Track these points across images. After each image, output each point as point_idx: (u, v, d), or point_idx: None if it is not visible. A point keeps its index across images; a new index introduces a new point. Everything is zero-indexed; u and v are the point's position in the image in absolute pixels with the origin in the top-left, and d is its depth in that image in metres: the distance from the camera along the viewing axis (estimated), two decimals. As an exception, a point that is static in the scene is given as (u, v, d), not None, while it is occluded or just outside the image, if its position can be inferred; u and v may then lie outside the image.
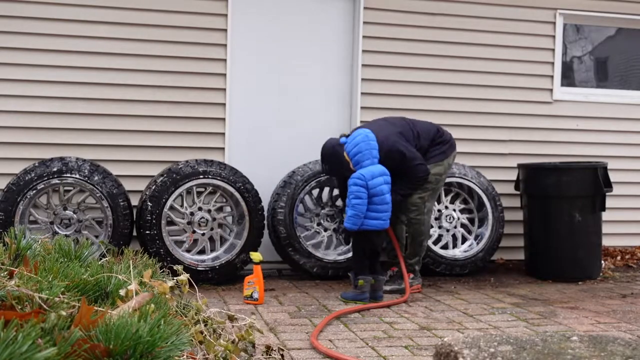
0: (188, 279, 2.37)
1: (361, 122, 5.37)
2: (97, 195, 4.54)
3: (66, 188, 4.63)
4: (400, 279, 4.61)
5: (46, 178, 4.47)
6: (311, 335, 3.23)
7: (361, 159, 4.30)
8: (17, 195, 4.44)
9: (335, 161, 4.58)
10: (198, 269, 4.64)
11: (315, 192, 5.18)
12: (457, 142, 5.74)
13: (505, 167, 5.85)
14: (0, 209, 4.41)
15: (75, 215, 4.65)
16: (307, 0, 5.53)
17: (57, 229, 4.59)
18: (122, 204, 4.59)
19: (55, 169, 4.49)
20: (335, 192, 5.23)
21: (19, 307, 1.45)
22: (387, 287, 4.55)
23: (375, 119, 4.93)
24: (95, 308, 1.54)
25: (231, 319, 2.32)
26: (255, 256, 4.21)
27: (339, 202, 5.27)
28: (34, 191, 4.47)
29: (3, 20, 4.87)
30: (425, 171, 4.61)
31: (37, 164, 4.53)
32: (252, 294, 4.03)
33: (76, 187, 4.58)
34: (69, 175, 4.51)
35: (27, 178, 4.45)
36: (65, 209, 4.64)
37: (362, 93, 5.55)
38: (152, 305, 1.68)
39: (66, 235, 4.51)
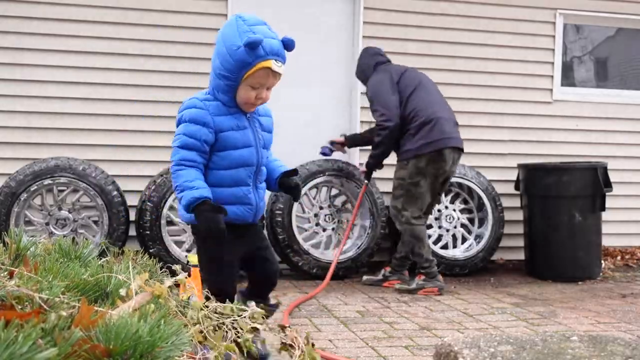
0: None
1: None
2: (91, 193, 4.54)
3: (60, 188, 4.62)
4: (413, 279, 4.65)
5: (39, 179, 4.47)
6: (284, 312, 3.25)
7: None
8: (11, 197, 4.44)
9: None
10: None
11: (313, 192, 5.18)
12: (457, 142, 5.77)
13: (505, 167, 5.85)
14: (-5, 211, 4.42)
15: (70, 215, 4.66)
16: (307, 1, 5.53)
17: (53, 230, 4.59)
18: (116, 200, 4.59)
19: (49, 168, 4.49)
20: (334, 191, 5.23)
21: (19, 307, 1.45)
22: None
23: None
24: (95, 308, 1.54)
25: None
26: (193, 259, 4.07)
27: (337, 202, 5.27)
28: (28, 193, 4.47)
29: (3, 20, 4.87)
30: (382, 123, 4.42)
31: (34, 164, 4.53)
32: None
33: (70, 187, 4.57)
34: (61, 174, 4.51)
35: (19, 179, 4.46)
36: (60, 209, 4.64)
37: (362, 92, 5.54)
38: (152, 305, 1.67)
39: (63, 236, 4.51)
